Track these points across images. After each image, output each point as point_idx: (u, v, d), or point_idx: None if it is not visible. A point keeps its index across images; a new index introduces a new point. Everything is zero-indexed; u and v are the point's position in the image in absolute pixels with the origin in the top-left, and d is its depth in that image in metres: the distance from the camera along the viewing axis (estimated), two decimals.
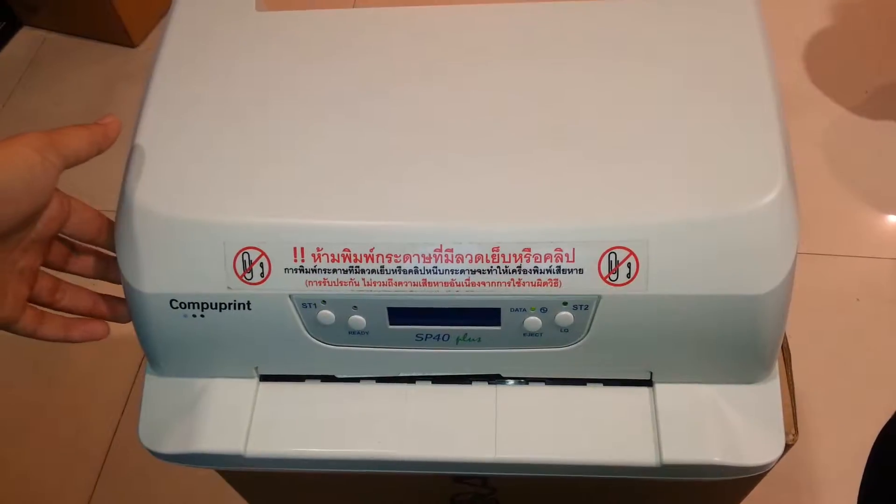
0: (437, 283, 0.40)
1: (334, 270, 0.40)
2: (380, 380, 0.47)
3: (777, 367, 0.45)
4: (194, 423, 0.45)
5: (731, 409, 0.44)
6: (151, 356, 0.45)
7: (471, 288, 0.40)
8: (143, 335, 0.44)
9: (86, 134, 0.39)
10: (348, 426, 0.45)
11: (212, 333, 0.43)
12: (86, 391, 1.08)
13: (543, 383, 0.46)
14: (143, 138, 0.44)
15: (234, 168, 0.43)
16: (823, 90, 1.24)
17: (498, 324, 0.42)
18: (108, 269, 0.45)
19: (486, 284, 0.40)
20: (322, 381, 0.47)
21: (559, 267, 0.39)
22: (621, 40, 0.47)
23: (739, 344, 0.42)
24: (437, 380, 0.46)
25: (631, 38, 0.46)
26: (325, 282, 0.40)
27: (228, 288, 0.41)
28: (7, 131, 1.55)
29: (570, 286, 0.40)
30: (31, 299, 0.42)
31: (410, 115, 0.44)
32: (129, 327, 0.45)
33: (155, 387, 0.47)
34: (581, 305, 0.40)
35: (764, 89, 0.43)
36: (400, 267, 0.40)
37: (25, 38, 1.55)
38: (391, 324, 0.43)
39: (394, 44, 0.48)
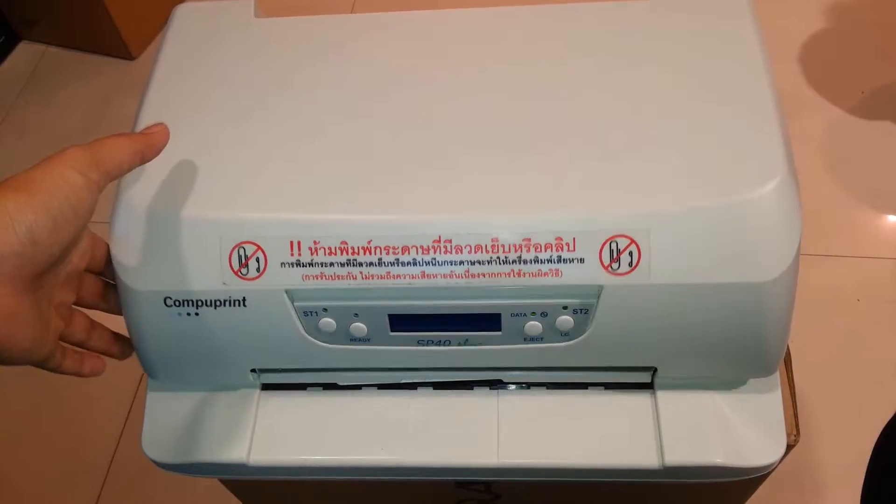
0: (435, 276, 0.39)
1: (331, 264, 0.40)
2: (381, 387, 0.46)
3: (778, 367, 0.44)
4: (197, 432, 0.45)
5: (733, 410, 0.44)
6: (146, 362, 0.44)
7: (470, 280, 0.39)
8: (136, 337, 0.43)
9: (127, 143, 0.37)
10: (351, 433, 0.45)
11: (207, 334, 0.42)
12: (88, 402, 1.07)
13: (545, 388, 0.45)
14: None
15: (230, 163, 0.42)
16: (820, 92, 1.24)
17: (499, 328, 0.41)
18: None
19: (486, 276, 0.39)
20: (324, 388, 0.47)
21: (560, 256, 0.39)
22: (617, 42, 0.46)
23: (745, 336, 0.41)
24: (438, 386, 0.46)
25: (627, 40, 0.46)
26: (321, 276, 0.40)
27: (224, 284, 0.40)
28: (7, 144, 1.55)
29: (572, 276, 0.39)
30: (66, 338, 0.40)
31: (408, 111, 0.44)
32: None
33: (157, 397, 0.47)
34: (581, 309, 0.40)
35: (761, 83, 0.43)
36: (398, 259, 0.39)
37: (24, 52, 1.56)
38: (392, 330, 0.42)
39: (391, 46, 0.48)
